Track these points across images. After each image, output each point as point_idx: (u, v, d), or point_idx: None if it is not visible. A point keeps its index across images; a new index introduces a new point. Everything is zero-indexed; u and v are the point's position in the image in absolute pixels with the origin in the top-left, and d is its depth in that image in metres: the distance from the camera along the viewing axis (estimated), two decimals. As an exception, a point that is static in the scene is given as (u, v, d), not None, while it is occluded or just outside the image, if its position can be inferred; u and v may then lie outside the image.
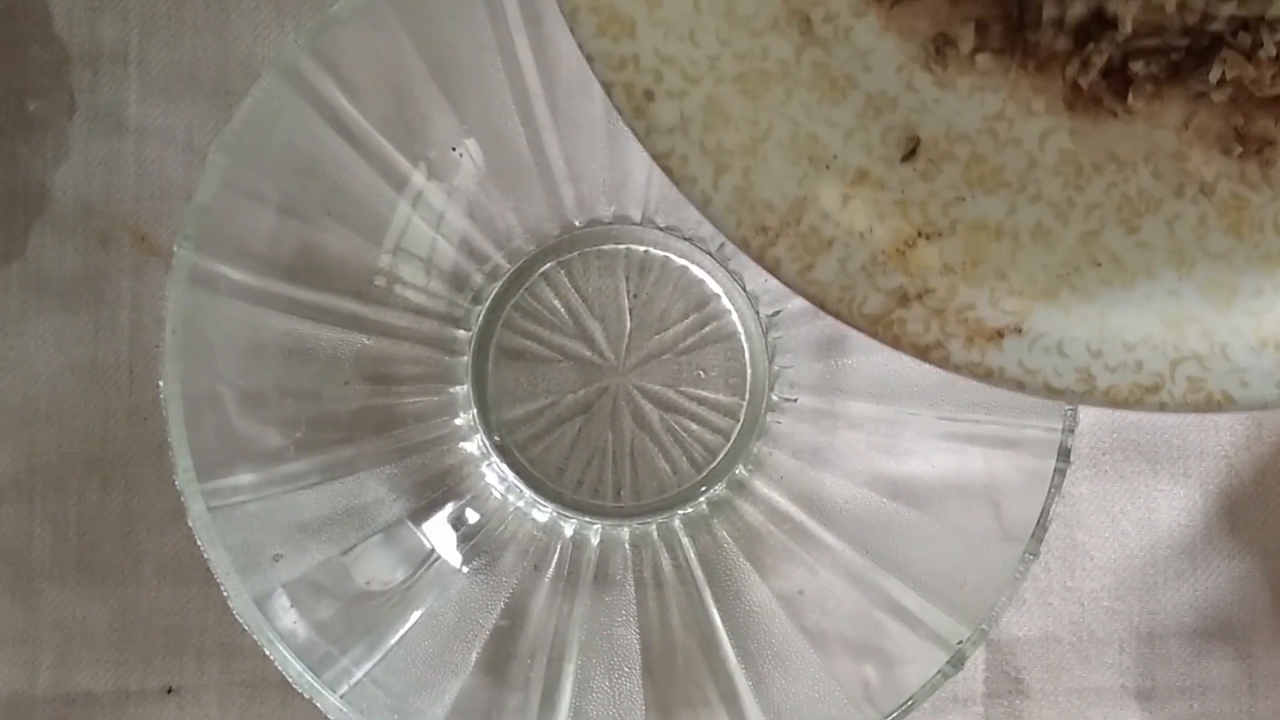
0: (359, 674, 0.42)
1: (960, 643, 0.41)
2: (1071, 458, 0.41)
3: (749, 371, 0.51)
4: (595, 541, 0.49)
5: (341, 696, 0.41)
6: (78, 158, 0.52)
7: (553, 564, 0.49)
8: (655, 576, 0.49)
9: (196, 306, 0.42)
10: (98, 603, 0.51)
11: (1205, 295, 0.33)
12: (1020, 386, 0.33)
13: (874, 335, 0.33)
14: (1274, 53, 0.31)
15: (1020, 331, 0.33)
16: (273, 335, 0.45)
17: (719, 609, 0.48)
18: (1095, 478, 0.52)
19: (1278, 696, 0.52)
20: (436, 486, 0.49)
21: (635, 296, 0.52)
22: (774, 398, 0.51)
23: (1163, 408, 0.32)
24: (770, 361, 0.51)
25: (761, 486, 0.50)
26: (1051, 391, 0.33)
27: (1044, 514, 0.41)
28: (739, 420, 0.51)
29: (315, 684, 0.41)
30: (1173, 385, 0.32)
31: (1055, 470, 0.41)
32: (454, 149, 0.48)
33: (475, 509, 0.50)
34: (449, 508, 0.49)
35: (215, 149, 0.41)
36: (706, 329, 0.51)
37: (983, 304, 0.33)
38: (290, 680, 0.41)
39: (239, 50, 0.52)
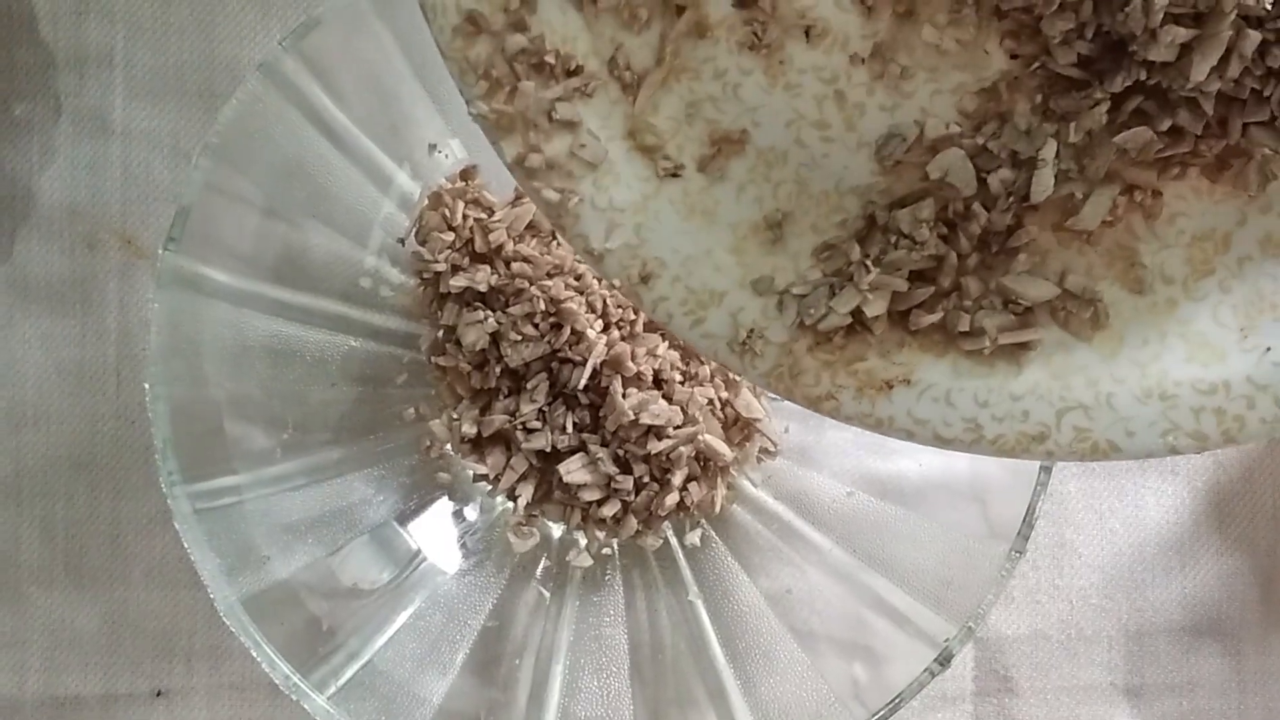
0: (346, 676, 0.42)
1: (947, 640, 0.41)
2: (1058, 455, 0.41)
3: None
4: (583, 542, 0.49)
5: (329, 698, 0.41)
6: (64, 161, 0.52)
7: (540, 565, 0.49)
8: (643, 576, 0.49)
9: (182, 309, 0.42)
10: (86, 606, 0.51)
11: (1092, 345, 0.33)
12: (910, 436, 0.33)
13: (767, 388, 0.33)
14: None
15: (909, 382, 0.33)
16: (258, 337, 0.45)
17: (707, 609, 0.48)
18: (1083, 475, 0.53)
19: (1266, 693, 0.52)
20: (424, 488, 0.49)
21: (622, 297, 0.51)
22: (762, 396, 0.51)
23: (1050, 456, 0.33)
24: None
25: (750, 486, 0.50)
26: (940, 441, 0.33)
27: (1030, 512, 0.41)
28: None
29: (302, 686, 0.41)
30: (1059, 435, 0.33)
31: (1041, 468, 0.41)
32: (438, 149, 0.48)
33: (463, 510, 0.50)
34: (436, 509, 0.49)
35: (200, 152, 0.41)
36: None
37: (873, 355, 0.33)
38: (277, 683, 0.41)
39: (224, 53, 0.52)
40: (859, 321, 0.33)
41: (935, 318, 0.33)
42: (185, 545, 0.41)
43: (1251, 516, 0.53)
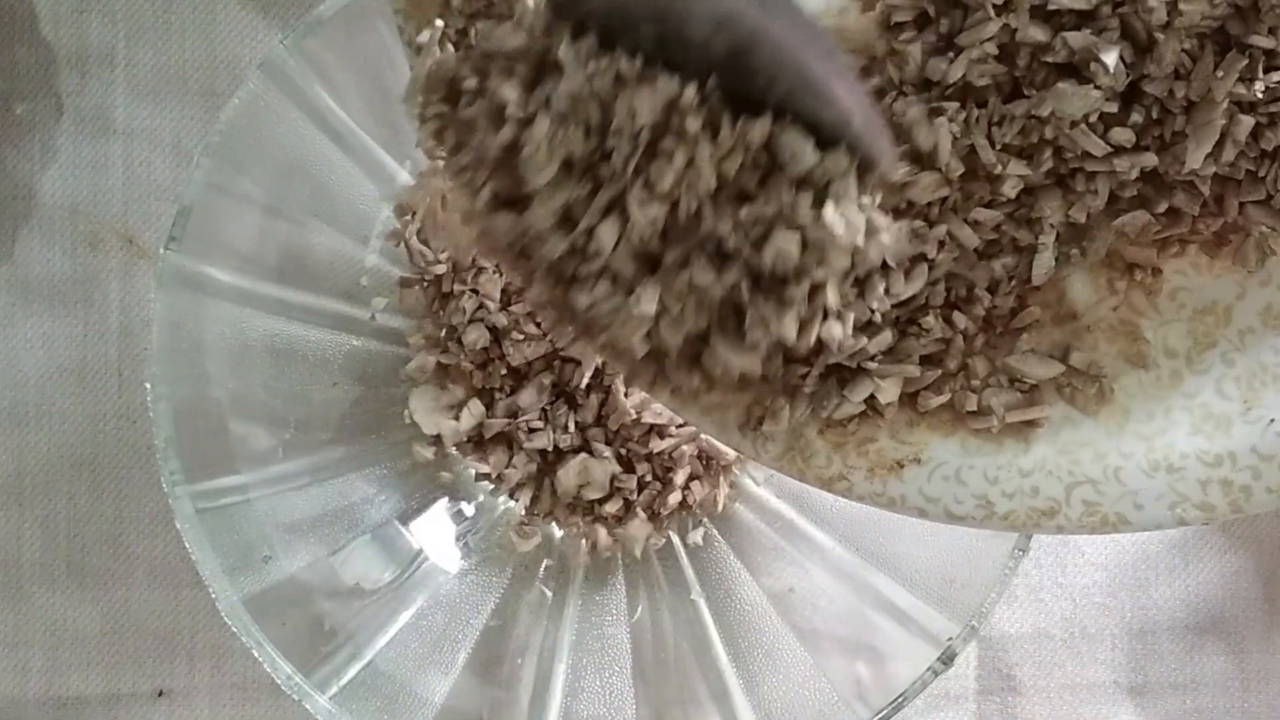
0: (348, 675, 0.42)
1: (950, 639, 0.41)
2: (1061, 453, 0.41)
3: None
4: (585, 541, 0.49)
5: (331, 698, 0.41)
6: (65, 160, 0.52)
7: (543, 564, 0.49)
8: (646, 575, 0.49)
9: (183, 308, 0.42)
10: (88, 606, 0.51)
11: (1098, 420, 0.33)
12: (922, 514, 0.33)
13: (780, 469, 0.34)
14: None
15: (920, 461, 0.33)
16: (260, 336, 0.45)
17: (710, 607, 0.48)
18: (1086, 474, 0.52)
19: (1270, 691, 0.52)
20: (425, 487, 0.49)
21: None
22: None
23: (1061, 530, 0.33)
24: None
25: (752, 485, 0.50)
26: (952, 518, 0.33)
27: (1033, 510, 0.41)
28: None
29: (304, 686, 0.41)
30: (1069, 509, 0.33)
31: (1044, 466, 0.41)
32: (440, 148, 0.48)
33: (465, 509, 0.50)
34: (438, 508, 0.49)
35: (202, 151, 0.41)
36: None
37: (883, 437, 0.33)
38: (279, 683, 0.41)
39: (226, 52, 0.52)
40: (871, 407, 0.33)
41: (943, 399, 0.33)
42: (187, 545, 0.41)
43: (1255, 515, 0.53)
